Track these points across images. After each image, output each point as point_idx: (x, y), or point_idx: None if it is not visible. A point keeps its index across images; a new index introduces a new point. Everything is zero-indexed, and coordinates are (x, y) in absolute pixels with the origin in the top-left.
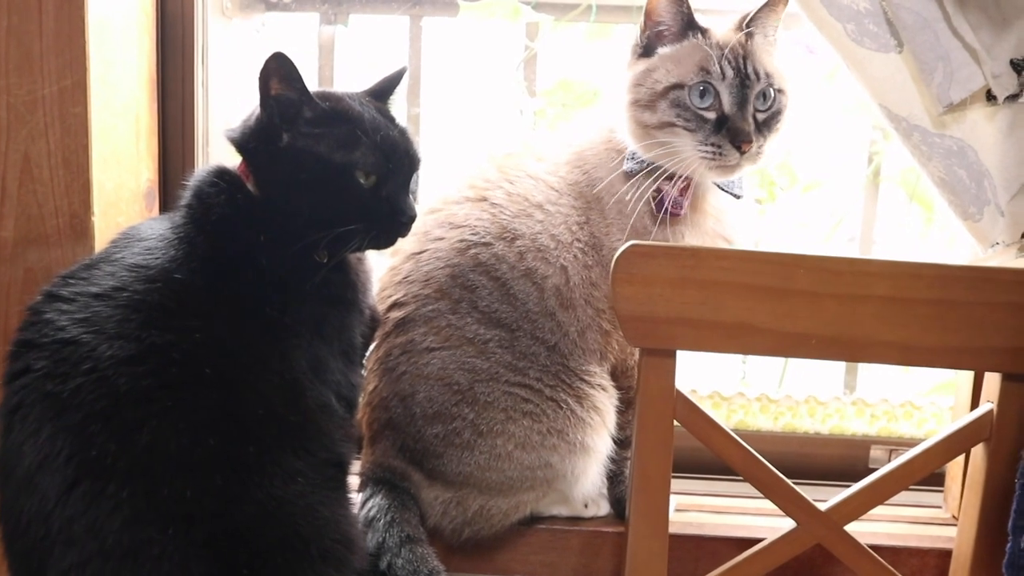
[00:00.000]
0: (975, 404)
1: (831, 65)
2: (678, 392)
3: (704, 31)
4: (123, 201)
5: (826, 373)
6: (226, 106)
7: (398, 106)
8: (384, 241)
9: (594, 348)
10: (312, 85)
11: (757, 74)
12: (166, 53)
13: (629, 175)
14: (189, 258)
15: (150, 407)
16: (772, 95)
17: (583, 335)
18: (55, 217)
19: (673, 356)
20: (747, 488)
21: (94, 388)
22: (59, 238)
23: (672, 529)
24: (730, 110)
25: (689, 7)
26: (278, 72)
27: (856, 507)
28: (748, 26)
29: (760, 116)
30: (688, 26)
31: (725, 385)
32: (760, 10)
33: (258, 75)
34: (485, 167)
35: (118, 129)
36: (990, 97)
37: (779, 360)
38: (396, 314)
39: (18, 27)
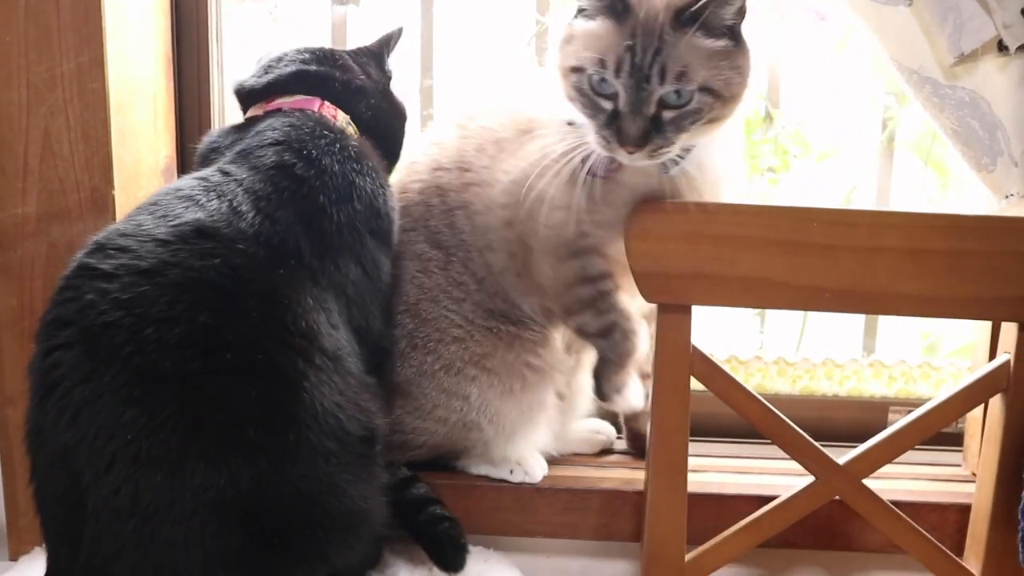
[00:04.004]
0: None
1: (842, 33)
2: (694, 348)
3: (627, 10)
4: (142, 176)
5: (844, 335)
6: None
7: (412, 79)
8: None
9: (520, 291)
10: None
11: (663, 76)
12: (181, 33)
13: (568, 124)
14: (260, 231)
15: (192, 395)
16: (686, 95)
17: (503, 276)
18: (76, 192)
19: (688, 312)
20: (765, 450)
21: (135, 372)
22: (81, 212)
23: (691, 488)
24: (623, 108)
25: None
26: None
27: (875, 460)
28: (684, 16)
29: (668, 115)
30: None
31: (743, 350)
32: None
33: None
34: (483, 99)
35: (135, 106)
36: (1001, 48)
37: (797, 323)
38: None
39: (35, 6)
